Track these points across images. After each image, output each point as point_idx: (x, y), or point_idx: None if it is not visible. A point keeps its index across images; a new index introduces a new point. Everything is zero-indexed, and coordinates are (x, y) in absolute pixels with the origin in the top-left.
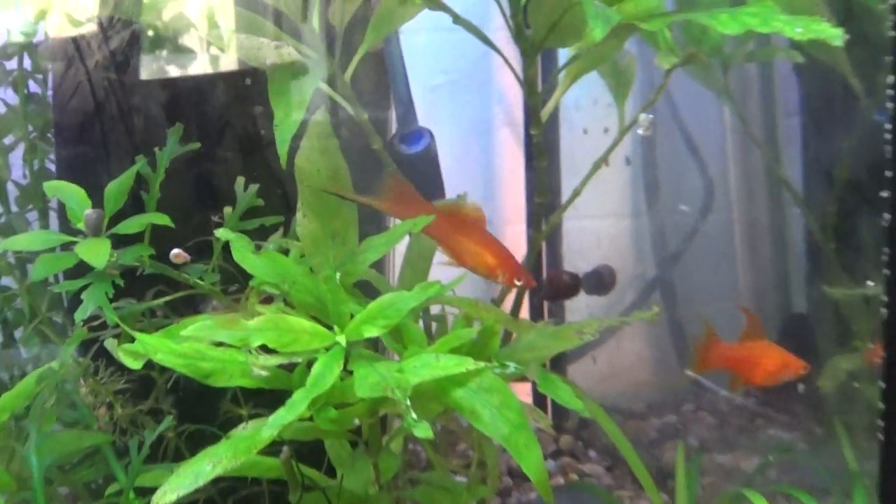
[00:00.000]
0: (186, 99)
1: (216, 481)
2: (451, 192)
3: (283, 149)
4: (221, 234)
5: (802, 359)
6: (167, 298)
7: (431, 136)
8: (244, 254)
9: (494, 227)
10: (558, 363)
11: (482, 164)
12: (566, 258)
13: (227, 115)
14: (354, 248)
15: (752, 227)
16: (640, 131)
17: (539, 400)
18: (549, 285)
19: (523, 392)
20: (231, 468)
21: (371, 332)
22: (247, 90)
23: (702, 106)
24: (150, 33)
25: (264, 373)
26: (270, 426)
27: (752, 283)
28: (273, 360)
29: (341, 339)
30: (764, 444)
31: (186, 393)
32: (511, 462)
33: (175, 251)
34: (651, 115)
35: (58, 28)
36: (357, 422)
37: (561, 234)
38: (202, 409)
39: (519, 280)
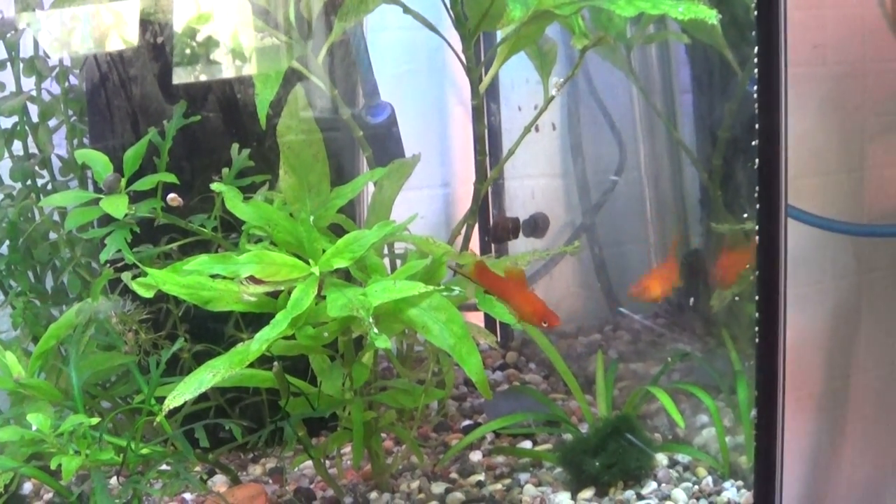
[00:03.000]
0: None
1: (223, 392)
2: (409, 153)
3: (262, 113)
4: (216, 186)
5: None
6: (179, 243)
7: (392, 108)
8: (234, 202)
9: (451, 186)
10: None
11: (439, 135)
12: (509, 209)
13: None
14: (327, 197)
15: (657, 182)
16: (553, 91)
17: (489, 325)
18: (495, 229)
19: (477, 319)
20: (227, 377)
21: (340, 263)
22: None
23: (614, 83)
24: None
25: (253, 299)
26: (258, 341)
27: (658, 226)
28: (260, 289)
29: (315, 270)
30: (668, 353)
31: (198, 322)
32: (466, 375)
33: (171, 195)
34: (560, 79)
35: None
36: (328, 336)
37: (504, 191)
38: (211, 335)
39: (545, 322)
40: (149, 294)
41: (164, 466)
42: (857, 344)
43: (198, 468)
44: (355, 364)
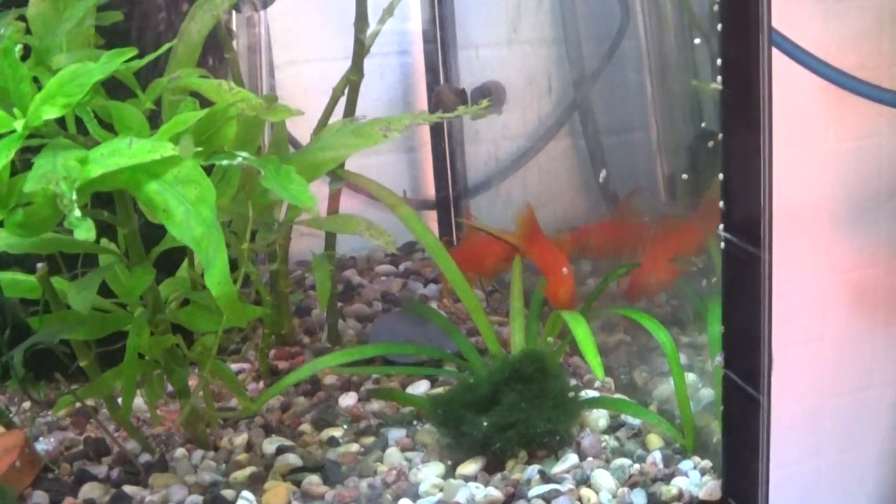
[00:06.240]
0: None
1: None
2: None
3: None
4: None
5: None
6: None
7: None
8: None
9: (410, 55)
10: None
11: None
12: (464, 82)
13: None
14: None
15: (661, 54)
16: None
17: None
18: (437, 99)
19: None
20: None
21: (51, 112)
22: None
23: None
24: None
25: None
26: None
27: (661, 104)
28: None
29: (18, 124)
30: None
31: None
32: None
33: None
34: None
35: None
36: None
37: (457, 60)
38: None
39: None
40: None
41: None
42: None
43: None
44: (136, 268)
